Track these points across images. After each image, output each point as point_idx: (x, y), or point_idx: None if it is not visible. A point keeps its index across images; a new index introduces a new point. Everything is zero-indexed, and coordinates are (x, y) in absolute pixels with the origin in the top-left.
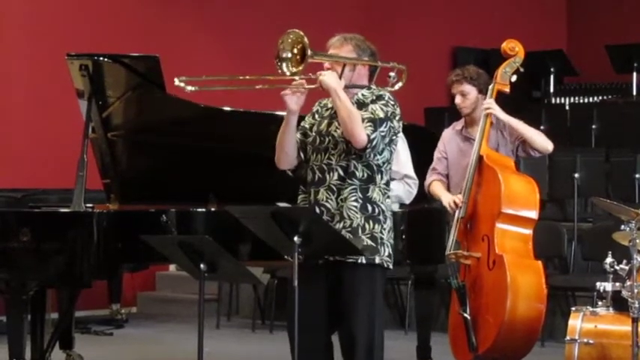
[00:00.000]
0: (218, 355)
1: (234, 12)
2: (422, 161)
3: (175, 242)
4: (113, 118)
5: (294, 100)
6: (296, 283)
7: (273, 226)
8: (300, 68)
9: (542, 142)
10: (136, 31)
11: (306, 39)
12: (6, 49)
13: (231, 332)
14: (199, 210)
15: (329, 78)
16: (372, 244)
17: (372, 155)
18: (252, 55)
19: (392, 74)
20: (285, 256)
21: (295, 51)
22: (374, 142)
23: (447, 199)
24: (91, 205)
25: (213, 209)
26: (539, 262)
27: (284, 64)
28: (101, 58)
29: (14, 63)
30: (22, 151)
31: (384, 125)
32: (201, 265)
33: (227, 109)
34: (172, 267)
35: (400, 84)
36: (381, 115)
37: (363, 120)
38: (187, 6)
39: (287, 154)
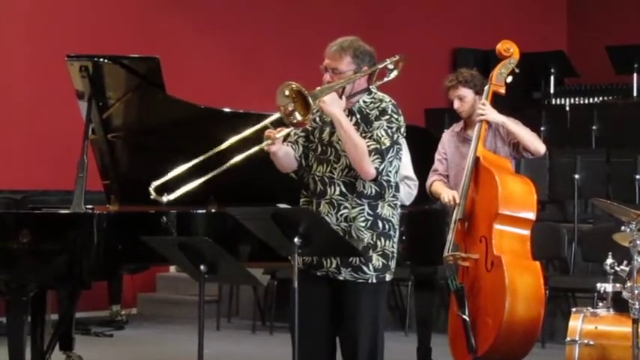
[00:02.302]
0: (218, 357)
1: (234, 12)
2: (422, 162)
3: (175, 243)
4: (113, 120)
5: (276, 145)
6: (296, 284)
7: (273, 228)
8: (312, 109)
9: (534, 144)
10: (136, 32)
11: (302, 88)
12: (6, 49)
13: (231, 333)
14: (199, 211)
15: (331, 105)
16: (384, 261)
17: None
18: (252, 54)
19: (390, 67)
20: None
21: (296, 100)
22: (383, 173)
23: (447, 193)
24: (91, 206)
25: (213, 210)
26: (538, 263)
27: (296, 115)
28: (101, 60)
29: (14, 63)
30: (21, 152)
31: (391, 151)
32: (202, 267)
33: (227, 110)
34: (172, 268)
35: (396, 72)
36: (388, 143)
37: (370, 153)
38: (187, 7)
39: (285, 168)
